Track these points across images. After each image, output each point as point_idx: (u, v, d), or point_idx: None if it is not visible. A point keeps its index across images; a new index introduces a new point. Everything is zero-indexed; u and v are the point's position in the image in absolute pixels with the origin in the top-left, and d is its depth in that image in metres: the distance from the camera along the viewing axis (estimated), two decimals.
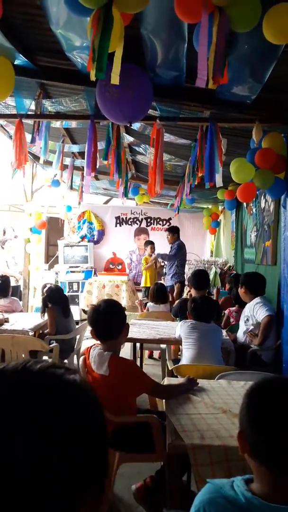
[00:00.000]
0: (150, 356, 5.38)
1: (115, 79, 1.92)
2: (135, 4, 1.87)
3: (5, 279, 4.75)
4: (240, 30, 1.99)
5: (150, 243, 7.32)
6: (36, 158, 6.24)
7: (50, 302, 4.10)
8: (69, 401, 0.49)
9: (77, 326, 4.48)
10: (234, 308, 4.38)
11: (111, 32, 1.79)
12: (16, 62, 3.05)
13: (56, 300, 4.12)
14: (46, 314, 4.11)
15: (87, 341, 4.15)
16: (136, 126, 3.89)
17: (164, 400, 2.04)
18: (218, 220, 8.18)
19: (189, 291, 4.32)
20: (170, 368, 2.95)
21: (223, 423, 1.73)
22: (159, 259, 7.05)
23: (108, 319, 2.12)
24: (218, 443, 1.55)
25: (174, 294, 5.86)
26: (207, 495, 1.01)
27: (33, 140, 3.69)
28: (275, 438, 0.94)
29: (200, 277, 4.06)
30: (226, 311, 4.40)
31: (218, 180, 3.27)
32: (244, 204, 5.88)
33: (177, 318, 4.18)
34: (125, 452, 2.08)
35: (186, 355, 2.97)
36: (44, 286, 4.72)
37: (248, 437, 0.99)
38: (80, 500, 0.46)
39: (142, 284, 7.29)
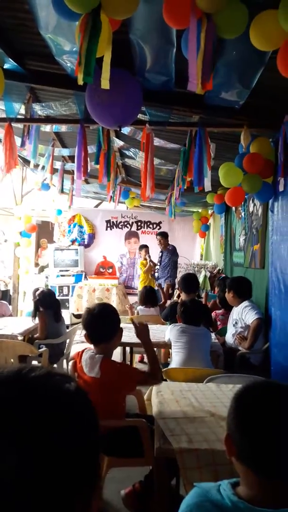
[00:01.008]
0: (141, 361, 5.37)
1: (105, 84, 1.93)
2: (124, 10, 1.89)
3: None
4: (227, 36, 2.02)
5: (144, 246, 7.35)
6: (26, 161, 6.22)
7: (41, 306, 4.07)
8: (64, 410, 0.49)
9: (67, 330, 4.46)
10: (220, 312, 4.40)
11: (99, 37, 1.80)
12: (5, 66, 3.05)
13: (48, 304, 4.10)
14: (37, 318, 4.09)
15: (77, 346, 4.13)
16: (126, 130, 3.90)
17: (152, 404, 2.04)
18: (208, 223, 8.23)
19: (179, 294, 4.34)
20: None
21: (211, 426, 1.73)
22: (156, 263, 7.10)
23: (103, 323, 2.12)
24: (205, 447, 1.55)
25: (164, 294, 5.85)
26: (194, 499, 1.01)
27: (23, 144, 3.67)
28: (262, 442, 0.94)
29: (190, 281, 4.08)
30: (213, 314, 4.42)
31: (207, 184, 3.29)
32: (233, 208, 5.92)
33: (167, 322, 4.19)
34: (114, 457, 2.07)
35: (176, 358, 2.98)
36: (36, 289, 4.70)
37: (235, 440, 0.99)
38: (71, 506, 0.46)
39: (139, 288, 7.29)
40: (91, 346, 2.19)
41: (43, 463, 0.44)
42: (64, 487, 0.45)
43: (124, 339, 3.50)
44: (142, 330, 2.22)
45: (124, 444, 2.06)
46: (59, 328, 4.14)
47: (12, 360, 3.54)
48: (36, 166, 5.07)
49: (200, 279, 6.84)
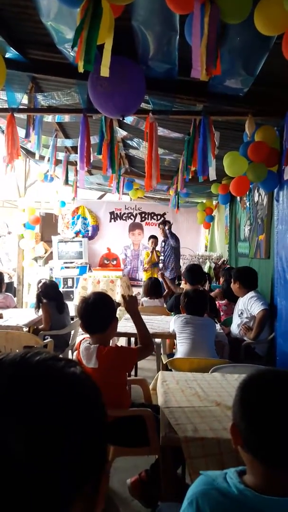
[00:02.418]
0: None
1: (105, 71, 1.90)
2: None
3: None
4: (231, 21, 1.98)
5: (153, 237, 7.24)
6: (29, 153, 6.19)
7: (44, 298, 4.08)
8: (70, 393, 0.48)
9: (72, 322, 4.47)
10: (223, 302, 4.39)
11: (100, 24, 1.76)
12: (6, 55, 3.02)
13: (51, 296, 4.11)
14: (40, 310, 4.10)
15: (81, 337, 4.14)
16: (129, 120, 3.86)
17: (158, 394, 2.04)
18: (212, 214, 8.18)
19: (184, 285, 4.32)
20: (164, 362, 2.95)
21: (217, 415, 1.73)
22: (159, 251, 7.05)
23: (97, 312, 2.11)
24: (211, 436, 1.55)
25: (167, 284, 5.80)
26: (200, 487, 1.01)
27: (27, 135, 3.65)
28: (268, 431, 0.94)
29: (194, 272, 4.06)
30: (217, 304, 4.42)
31: (212, 173, 3.26)
32: (238, 198, 5.88)
33: (172, 313, 4.19)
34: (120, 446, 2.08)
35: (181, 349, 2.98)
36: (39, 281, 4.70)
37: (241, 430, 0.99)
38: (78, 493, 0.46)
39: (144, 279, 7.28)
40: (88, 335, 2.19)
41: (50, 446, 0.43)
42: (72, 471, 0.45)
43: (129, 329, 3.53)
44: (130, 302, 2.31)
45: (129, 434, 2.07)
46: (63, 319, 4.15)
47: (17, 351, 3.56)
48: (41, 157, 5.05)
49: (205, 270, 6.82)
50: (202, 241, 9.22)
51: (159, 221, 8.80)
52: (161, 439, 1.61)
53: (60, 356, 0.54)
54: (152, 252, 7.08)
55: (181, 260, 7.03)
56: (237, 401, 1.03)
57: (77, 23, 1.87)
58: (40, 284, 4.24)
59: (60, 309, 4.14)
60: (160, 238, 7.09)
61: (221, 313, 4.30)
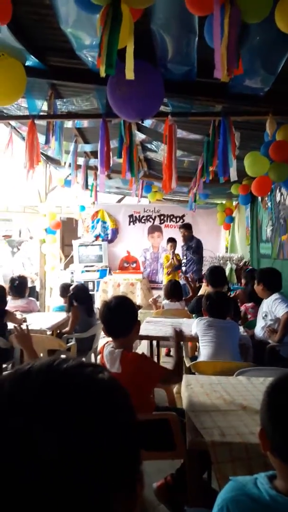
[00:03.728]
0: (168, 354, 5.36)
1: (129, 75, 1.90)
2: None
3: (22, 280, 4.79)
4: (251, 21, 1.96)
5: (171, 240, 7.15)
6: (49, 159, 6.28)
7: (76, 301, 4.13)
8: (99, 399, 0.48)
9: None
10: (250, 305, 4.32)
11: (120, 28, 1.78)
12: (27, 63, 3.07)
13: (82, 299, 4.16)
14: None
15: (103, 340, 4.16)
16: (148, 123, 3.87)
17: (182, 397, 2.03)
18: (232, 215, 8.10)
19: (206, 287, 4.28)
20: (187, 366, 2.93)
21: (243, 419, 1.71)
22: (180, 257, 6.96)
23: (119, 316, 2.11)
24: (238, 440, 1.53)
25: (191, 287, 5.74)
26: (230, 493, 1.00)
27: (47, 141, 3.70)
28: None
29: (217, 274, 4.02)
30: (242, 308, 4.35)
31: (233, 174, 3.23)
32: (259, 198, 5.81)
33: (194, 315, 4.16)
34: (145, 450, 2.07)
35: (204, 352, 2.95)
36: (69, 284, 4.80)
37: (269, 435, 0.98)
38: (113, 498, 0.45)
39: (164, 282, 7.25)
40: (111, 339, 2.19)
41: (83, 452, 0.43)
42: (105, 476, 0.44)
43: (151, 332, 3.53)
44: (180, 335, 2.36)
45: (154, 438, 2.06)
46: (91, 322, 4.19)
47: (41, 354, 3.60)
48: (59, 163, 5.12)
49: (227, 272, 6.75)
50: (222, 242, 9.13)
51: (178, 223, 8.77)
52: (188, 443, 1.60)
53: (84, 360, 0.54)
54: (172, 256, 7.01)
55: (202, 263, 6.96)
56: (265, 405, 1.01)
57: (97, 29, 1.89)
58: (72, 287, 4.30)
59: (89, 313, 4.18)
60: (180, 241, 7.02)
61: (249, 316, 4.24)
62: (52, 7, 2.34)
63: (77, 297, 4.13)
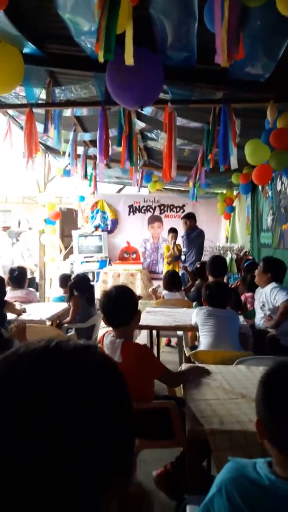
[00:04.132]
0: (168, 344, 5.38)
1: (129, 60, 1.87)
2: None
3: (21, 270, 4.78)
4: (252, 4, 1.91)
5: (172, 230, 7.07)
6: (48, 148, 6.23)
7: (76, 290, 4.13)
8: (93, 384, 0.47)
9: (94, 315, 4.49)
10: (249, 294, 4.32)
11: (119, 12, 1.74)
12: (24, 50, 3.02)
13: (83, 289, 4.16)
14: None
15: (103, 330, 4.17)
16: (147, 111, 3.82)
17: (182, 386, 2.03)
18: (233, 205, 8.06)
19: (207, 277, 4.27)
20: (187, 355, 2.94)
21: (242, 408, 1.71)
22: (180, 247, 6.90)
23: (120, 305, 2.10)
24: (238, 428, 1.53)
25: (191, 277, 5.72)
26: (230, 474, 1.01)
27: (46, 130, 3.66)
28: None
29: (218, 264, 4.01)
30: (242, 297, 4.35)
31: (233, 162, 3.20)
32: (260, 187, 5.77)
33: (194, 303, 4.16)
34: (144, 439, 2.08)
35: (204, 342, 2.95)
36: (68, 275, 4.81)
37: (265, 424, 0.98)
38: (107, 488, 0.45)
39: (164, 272, 7.23)
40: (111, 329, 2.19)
41: (83, 434, 0.43)
42: (102, 462, 0.44)
43: (151, 322, 3.53)
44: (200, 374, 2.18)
45: (154, 426, 2.07)
46: (91, 312, 4.20)
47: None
48: (58, 152, 5.07)
49: (227, 262, 6.73)
50: (223, 232, 9.11)
51: (178, 213, 8.72)
52: (187, 432, 1.60)
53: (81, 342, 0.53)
54: (173, 246, 6.96)
55: (203, 253, 6.93)
56: (260, 395, 1.01)
57: (95, 13, 1.85)
58: (73, 276, 4.30)
59: (90, 302, 4.18)
60: (182, 231, 6.97)
61: (248, 305, 4.24)
62: None
63: (78, 286, 4.13)
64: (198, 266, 5.12)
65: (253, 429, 1.54)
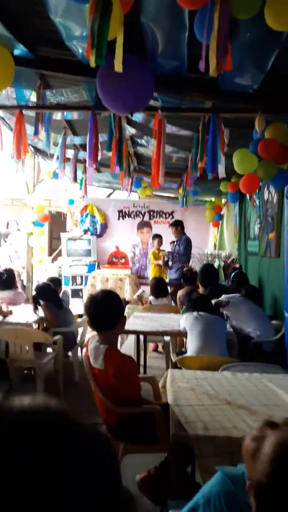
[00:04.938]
0: (155, 350, 5.38)
1: (118, 66, 1.88)
2: None
3: (9, 272, 4.77)
4: (241, 16, 1.95)
5: (157, 236, 7.18)
6: (37, 150, 6.21)
7: (41, 299, 4.09)
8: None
9: (80, 320, 4.48)
10: None
11: (110, 18, 1.75)
12: (15, 52, 3.02)
13: (46, 296, 4.11)
14: (40, 310, 4.12)
15: (90, 334, 4.16)
16: (138, 117, 3.85)
17: (167, 392, 2.03)
18: (221, 213, 8.14)
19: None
20: (173, 361, 2.95)
21: (227, 414, 1.72)
22: (166, 256, 6.93)
23: (105, 310, 2.10)
24: (222, 434, 1.54)
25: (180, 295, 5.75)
26: (219, 487, 0.97)
27: (36, 132, 3.66)
28: None
29: (209, 274, 4.03)
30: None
31: (221, 171, 3.23)
32: (247, 196, 5.84)
33: (182, 309, 4.18)
34: (129, 443, 2.08)
35: (191, 347, 2.97)
36: (54, 278, 4.79)
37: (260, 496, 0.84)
38: None
39: (150, 278, 7.25)
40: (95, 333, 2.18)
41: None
42: None
43: (138, 327, 3.53)
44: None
45: (139, 431, 2.07)
46: (63, 315, 4.16)
47: (27, 347, 3.59)
48: (49, 155, 5.06)
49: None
50: (211, 239, 9.17)
51: (167, 219, 8.75)
52: (171, 437, 1.61)
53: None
54: (159, 254, 7.01)
55: (190, 260, 6.96)
56: (273, 472, 0.84)
57: (87, 19, 1.86)
58: (35, 287, 4.28)
59: (58, 306, 4.15)
60: (171, 238, 7.00)
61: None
62: None
63: (41, 295, 4.10)
64: (185, 272, 5.15)
65: (237, 435, 1.55)
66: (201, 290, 3.96)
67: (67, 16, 2.40)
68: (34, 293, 4.25)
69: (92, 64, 1.83)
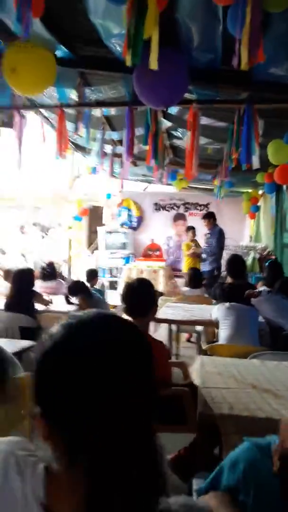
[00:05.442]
0: (189, 340, 5.46)
1: (154, 64, 1.97)
2: None
3: (51, 265, 5.10)
4: (273, 10, 1.98)
5: (191, 228, 7.28)
6: (77, 146, 6.41)
7: (73, 295, 4.27)
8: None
9: (114, 310, 4.63)
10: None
11: (145, 20, 1.84)
12: (57, 53, 3.16)
13: (77, 293, 4.26)
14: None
15: None
16: (173, 110, 3.91)
17: (196, 376, 2.12)
18: (258, 204, 8.02)
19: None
20: (203, 348, 3.03)
21: (253, 397, 1.79)
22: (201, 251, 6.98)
23: (141, 295, 2.23)
24: (246, 414, 1.62)
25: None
26: (247, 453, 1.05)
27: (76, 129, 3.82)
28: None
29: (237, 264, 4.04)
30: None
31: (255, 161, 3.25)
32: (284, 187, 5.75)
33: (214, 302, 4.22)
34: (158, 423, 2.18)
35: (223, 335, 3.03)
36: (92, 270, 5.00)
37: None
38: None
39: (184, 270, 7.34)
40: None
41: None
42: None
43: (170, 316, 3.62)
44: None
45: (168, 412, 2.17)
46: (96, 305, 4.31)
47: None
48: (88, 150, 5.23)
49: (249, 262, 6.74)
50: (247, 231, 9.07)
51: (202, 211, 8.75)
52: (198, 415, 1.70)
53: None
54: (192, 246, 7.08)
55: (224, 251, 6.96)
56: None
57: (124, 19, 1.96)
58: (68, 285, 4.48)
59: (88, 295, 4.30)
60: (204, 230, 7.04)
61: None
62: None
63: (72, 293, 4.25)
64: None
65: (261, 416, 1.62)
66: (229, 280, 3.97)
67: (106, 17, 2.50)
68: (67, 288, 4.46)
69: (128, 63, 1.93)
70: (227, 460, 1.11)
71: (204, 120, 3.82)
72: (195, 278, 5.05)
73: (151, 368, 0.64)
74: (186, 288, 5.04)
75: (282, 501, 0.96)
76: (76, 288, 4.33)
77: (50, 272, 4.94)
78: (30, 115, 4.44)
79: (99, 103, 3.81)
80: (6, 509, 0.58)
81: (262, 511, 0.99)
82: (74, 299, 4.29)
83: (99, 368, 0.58)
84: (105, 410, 0.57)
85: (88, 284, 5.22)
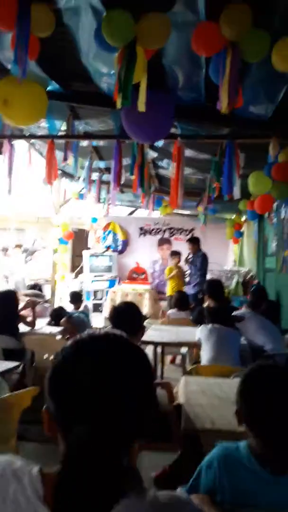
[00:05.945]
0: (172, 362, 5.53)
1: (141, 107, 2.17)
2: (157, 41, 2.14)
3: (37, 285, 5.15)
4: (251, 60, 2.21)
5: (175, 253, 7.43)
6: (64, 173, 6.60)
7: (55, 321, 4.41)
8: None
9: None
10: None
11: (135, 67, 2.05)
12: (48, 88, 3.36)
13: (60, 317, 4.42)
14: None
15: None
16: (159, 143, 4.14)
17: (180, 395, 2.23)
18: (241, 230, 8.30)
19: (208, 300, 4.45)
20: (188, 369, 3.13)
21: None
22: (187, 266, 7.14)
23: (127, 318, 2.32)
24: (227, 428, 1.73)
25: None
26: (219, 451, 1.24)
27: (65, 158, 4.00)
28: (260, 412, 1.17)
29: (217, 287, 4.19)
30: None
31: (236, 192, 3.46)
32: (266, 214, 6.02)
33: (198, 325, 4.34)
34: (144, 442, 2.26)
35: (205, 357, 3.14)
36: (76, 292, 5.09)
37: (243, 413, 1.20)
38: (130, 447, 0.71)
39: (168, 293, 7.46)
40: None
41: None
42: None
43: (155, 338, 3.72)
44: None
45: (154, 432, 2.25)
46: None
47: (51, 357, 3.83)
48: (76, 178, 5.42)
49: (233, 285, 6.93)
50: (230, 256, 9.31)
51: (187, 236, 8.96)
52: (182, 430, 1.80)
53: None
54: (177, 268, 7.23)
55: (208, 275, 7.13)
56: (240, 391, 1.27)
57: (115, 66, 2.17)
58: (50, 313, 4.62)
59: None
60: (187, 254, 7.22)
61: None
62: (74, 42, 2.63)
63: (55, 319, 4.42)
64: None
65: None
66: (210, 303, 4.07)
67: (97, 59, 2.72)
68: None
69: (119, 105, 2.12)
70: (204, 462, 1.24)
71: (188, 152, 4.06)
72: (181, 301, 5.17)
73: (152, 382, 0.75)
74: (172, 311, 5.15)
75: (256, 491, 1.10)
76: (56, 316, 4.50)
77: (37, 292, 5.03)
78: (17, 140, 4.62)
79: (88, 135, 4.01)
80: None
81: (238, 502, 1.12)
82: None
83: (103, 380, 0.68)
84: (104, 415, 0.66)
85: (72, 306, 5.31)
